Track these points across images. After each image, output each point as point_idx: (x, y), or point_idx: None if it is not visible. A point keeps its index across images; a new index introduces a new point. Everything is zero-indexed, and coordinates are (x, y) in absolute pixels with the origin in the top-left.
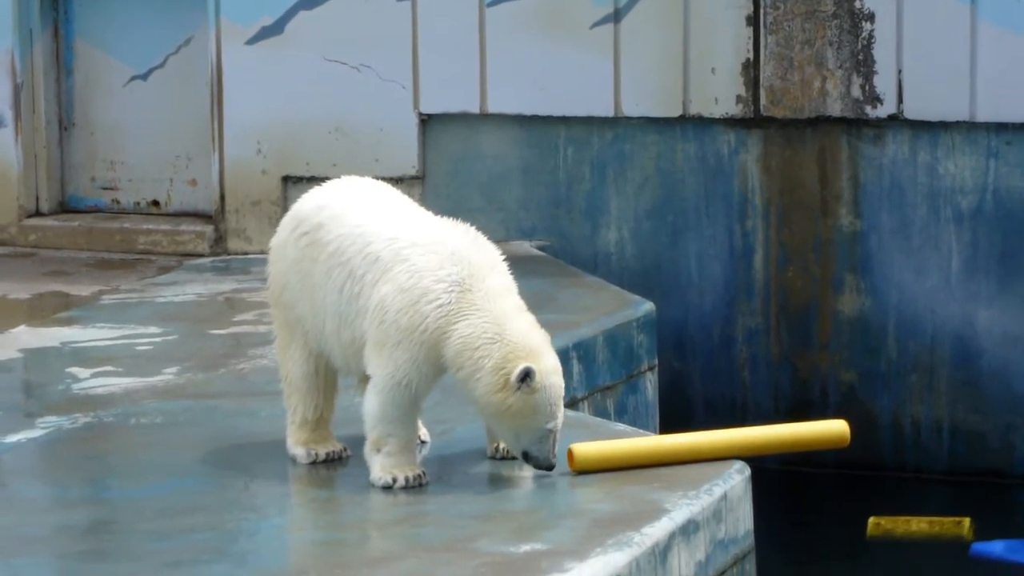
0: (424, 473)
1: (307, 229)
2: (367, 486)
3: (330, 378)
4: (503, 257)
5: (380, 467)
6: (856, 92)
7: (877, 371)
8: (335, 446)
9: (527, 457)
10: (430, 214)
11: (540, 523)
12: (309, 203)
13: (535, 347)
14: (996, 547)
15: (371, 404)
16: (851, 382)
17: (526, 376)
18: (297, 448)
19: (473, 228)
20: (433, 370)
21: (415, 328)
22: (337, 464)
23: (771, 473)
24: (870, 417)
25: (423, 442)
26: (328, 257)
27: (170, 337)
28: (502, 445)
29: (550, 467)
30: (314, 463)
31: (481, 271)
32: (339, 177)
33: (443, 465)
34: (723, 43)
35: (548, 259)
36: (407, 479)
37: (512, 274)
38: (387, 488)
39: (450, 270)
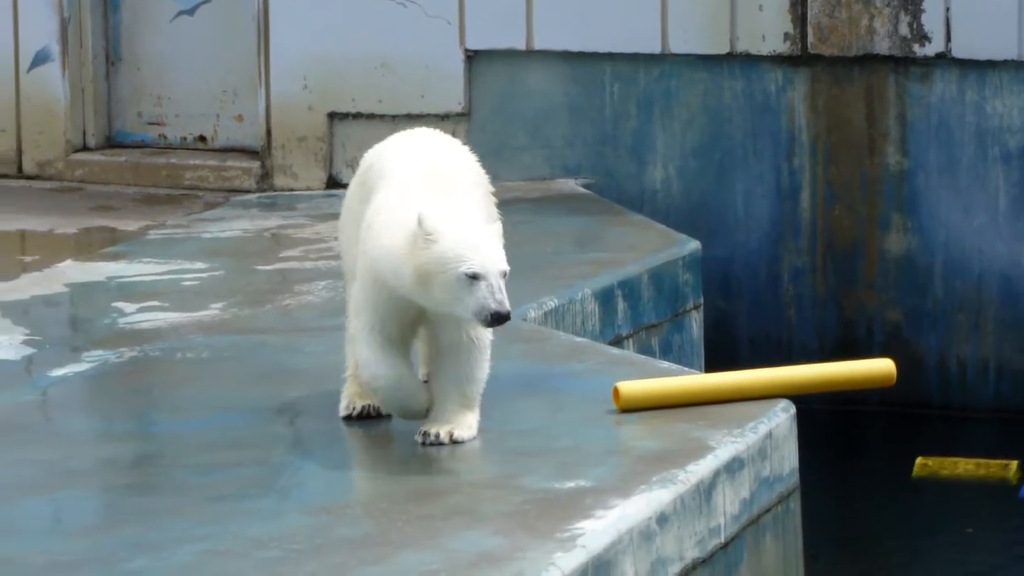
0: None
1: (359, 171)
2: (412, 424)
3: None
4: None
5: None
6: (904, 30)
7: (923, 310)
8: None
9: (479, 317)
10: (470, 171)
11: (585, 460)
12: (368, 153)
13: (448, 226)
14: None
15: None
16: (897, 321)
17: (425, 220)
18: (342, 400)
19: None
20: (394, 312)
21: (367, 268)
22: None
23: (817, 412)
24: (916, 356)
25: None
26: (366, 193)
27: (216, 273)
28: (432, 430)
29: (499, 314)
30: (348, 417)
31: (440, 207)
32: (384, 115)
33: (487, 403)
34: None
35: (593, 197)
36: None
37: (554, 214)
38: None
39: (408, 213)
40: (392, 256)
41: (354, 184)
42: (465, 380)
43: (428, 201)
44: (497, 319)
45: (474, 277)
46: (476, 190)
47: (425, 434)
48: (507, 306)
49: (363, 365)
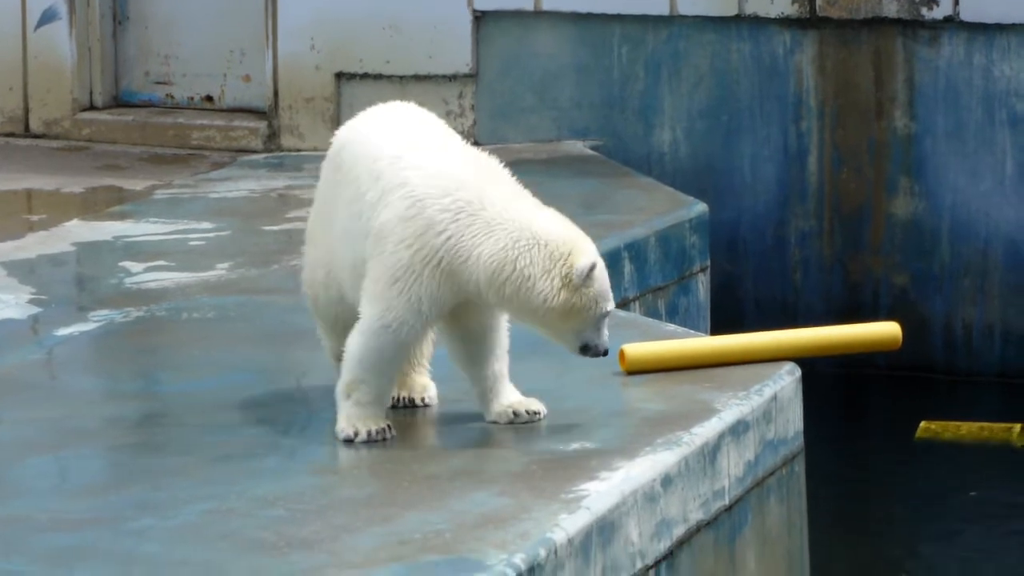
0: (390, 427)
1: (331, 154)
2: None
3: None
4: (512, 175)
5: (345, 418)
6: None
7: (929, 274)
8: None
9: (585, 350)
10: (458, 141)
11: (590, 422)
12: (341, 131)
13: (572, 236)
14: None
15: (352, 345)
16: (903, 285)
17: (592, 269)
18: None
19: (488, 154)
20: (439, 309)
21: (424, 263)
22: None
23: (822, 375)
24: (922, 320)
25: (426, 405)
26: (343, 176)
27: (223, 232)
28: (520, 409)
29: (607, 352)
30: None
31: (485, 188)
32: (392, 75)
33: None
34: None
35: (601, 159)
36: (369, 433)
37: (561, 175)
38: (348, 442)
39: (457, 197)
40: (525, 279)
41: (327, 169)
42: (502, 355)
43: (524, 202)
44: (595, 354)
45: (607, 313)
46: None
47: (515, 414)
48: (607, 344)
49: (359, 362)
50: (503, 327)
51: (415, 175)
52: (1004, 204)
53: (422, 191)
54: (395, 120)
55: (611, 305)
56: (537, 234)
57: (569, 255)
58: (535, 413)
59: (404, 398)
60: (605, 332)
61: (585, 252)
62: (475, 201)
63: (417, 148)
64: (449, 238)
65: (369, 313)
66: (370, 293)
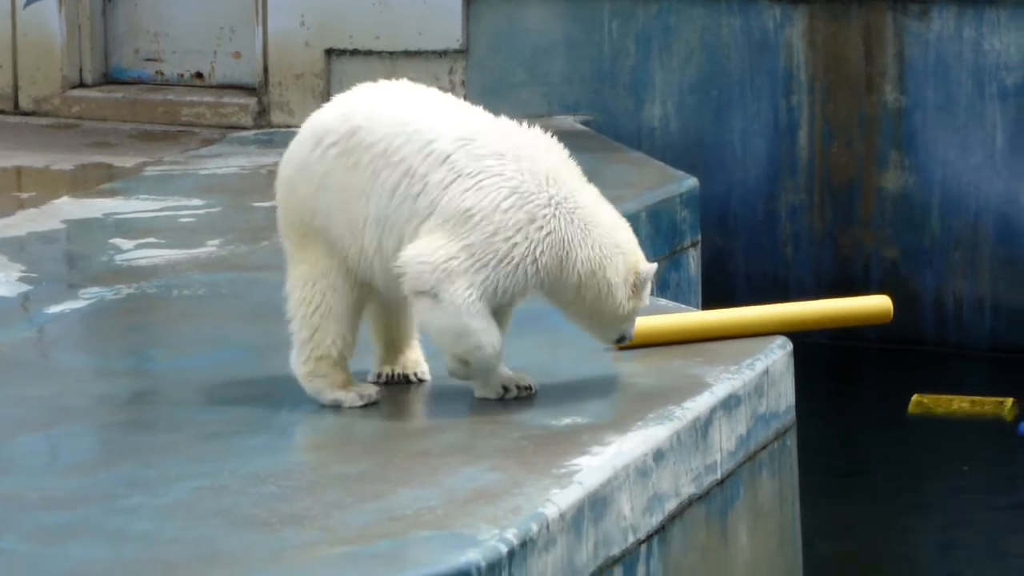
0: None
1: (335, 139)
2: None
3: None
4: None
5: (489, 387)
6: None
7: (920, 248)
8: (368, 386)
9: (620, 340)
10: (475, 108)
11: (582, 397)
12: (328, 115)
13: (635, 244)
14: None
15: (438, 321)
16: (894, 259)
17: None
18: (338, 392)
19: (537, 128)
20: (509, 299)
21: (523, 256)
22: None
23: (814, 349)
24: (913, 294)
25: (420, 380)
26: (374, 159)
27: (213, 209)
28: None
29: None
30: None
31: (573, 184)
32: (382, 51)
33: None
34: None
35: (591, 134)
36: (519, 387)
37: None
38: (500, 399)
39: (552, 193)
40: (609, 286)
41: (323, 162)
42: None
43: (604, 204)
44: (623, 342)
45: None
46: None
47: (506, 389)
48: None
49: (468, 332)
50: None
51: (500, 164)
52: (994, 177)
53: (517, 182)
54: (397, 96)
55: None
56: (619, 243)
57: (637, 263)
58: (526, 388)
59: (397, 374)
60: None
61: (644, 259)
62: (569, 199)
63: (483, 131)
64: (550, 234)
65: (451, 290)
66: (443, 268)
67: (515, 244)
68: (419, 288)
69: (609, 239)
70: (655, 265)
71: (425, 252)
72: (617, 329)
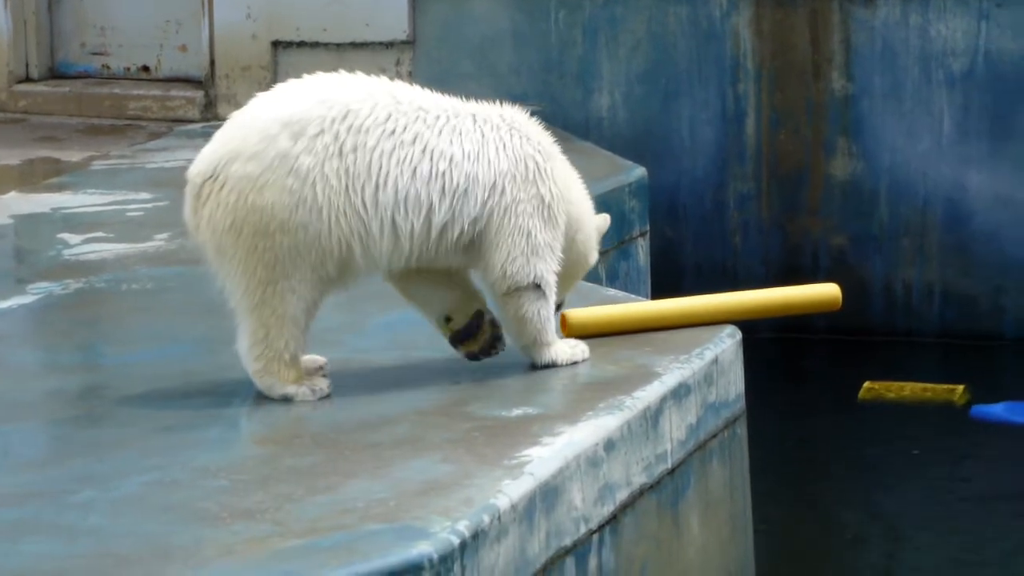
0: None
1: (322, 127)
2: (357, 351)
3: None
4: None
5: (566, 358)
6: None
7: (868, 235)
8: (320, 380)
9: (559, 308)
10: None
11: (532, 387)
12: (303, 105)
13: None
14: (996, 409)
15: (532, 308)
16: (842, 246)
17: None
18: (290, 387)
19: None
20: None
21: (564, 230)
22: (328, 331)
23: (763, 340)
24: (861, 281)
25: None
26: (383, 138)
27: (161, 203)
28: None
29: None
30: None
31: (560, 157)
32: (328, 43)
33: (434, 333)
34: None
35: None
36: (583, 352)
37: None
38: (574, 363)
39: (561, 168)
40: (593, 240)
41: (310, 152)
42: None
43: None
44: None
45: None
46: None
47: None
48: None
49: (546, 319)
50: None
51: (519, 139)
52: (942, 164)
53: (541, 159)
54: (374, 82)
55: None
56: (605, 220)
57: (601, 219)
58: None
59: (487, 320)
60: None
61: (601, 215)
62: (569, 170)
63: (482, 106)
64: (572, 204)
65: (534, 272)
66: (519, 247)
67: (558, 221)
68: (522, 283)
69: (588, 200)
70: (608, 220)
71: (514, 249)
72: (572, 285)
